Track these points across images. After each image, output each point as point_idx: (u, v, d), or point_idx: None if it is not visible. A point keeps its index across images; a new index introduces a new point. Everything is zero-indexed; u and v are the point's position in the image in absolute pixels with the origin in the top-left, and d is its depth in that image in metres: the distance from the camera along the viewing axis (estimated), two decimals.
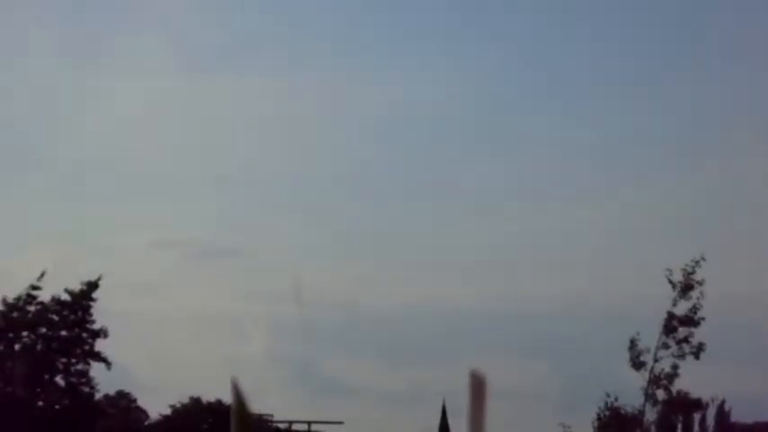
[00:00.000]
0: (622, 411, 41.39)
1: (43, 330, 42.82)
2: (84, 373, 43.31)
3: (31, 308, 42.72)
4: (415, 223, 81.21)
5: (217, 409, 51.98)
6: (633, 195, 74.80)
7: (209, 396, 52.50)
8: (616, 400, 41.38)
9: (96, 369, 43.60)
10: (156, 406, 54.99)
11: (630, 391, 41.36)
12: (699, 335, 40.37)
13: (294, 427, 53.54)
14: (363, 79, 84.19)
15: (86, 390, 43.49)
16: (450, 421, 40.87)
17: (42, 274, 42.83)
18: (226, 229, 79.44)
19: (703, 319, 40.35)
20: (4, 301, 42.58)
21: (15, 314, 42.40)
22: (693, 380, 41.95)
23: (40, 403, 42.75)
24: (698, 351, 40.20)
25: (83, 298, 43.20)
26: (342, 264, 76.71)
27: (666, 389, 40.55)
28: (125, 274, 71.15)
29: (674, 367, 40.38)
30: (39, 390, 42.58)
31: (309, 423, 52.74)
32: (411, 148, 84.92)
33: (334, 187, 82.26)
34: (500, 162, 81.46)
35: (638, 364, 40.47)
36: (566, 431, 41.69)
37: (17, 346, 42.63)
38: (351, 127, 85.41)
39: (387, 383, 67.32)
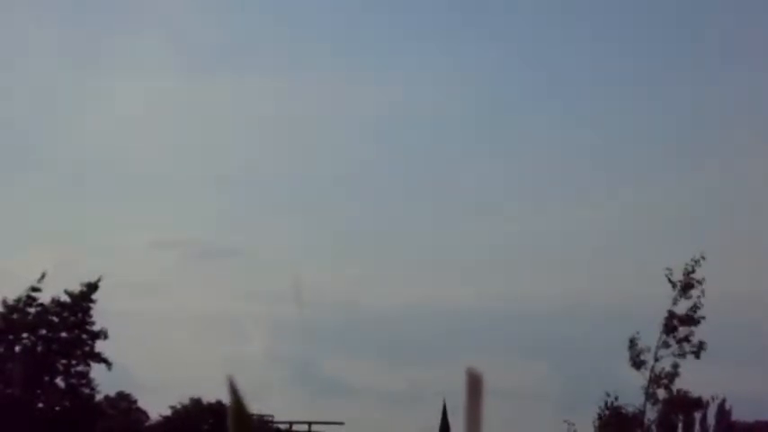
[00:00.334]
0: (623, 411, 41.39)
1: (43, 332, 42.83)
2: (85, 375, 43.33)
3: (32, 309, 42.74)
4: (415, 223, 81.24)
5: (217, 409, 51.93)
6: (633, 195, 74.82)
7: (209, 397, 52.55)
8: (616, 399, 41.42)
9: (97, 370, 43.70)
10: (156, 407, 55.03)
11: (631, 390, 41.40)
12: (699, 334, 40.41)
13: (294, 427, 53.54)
14: (363, 79, 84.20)
15: (87, 391, 43.51)
16: (451, 421, 40.83)
17: (42, 276, 42.91)
18: (226, 229, 79.48)
19: (704, 318, 40.38)
20: (5, 302, 42.62)
21: (15, 316, 42.41)
22: (694, 379, 41.99)
23: (41, 405, 42.75)
24: (698, 350, 40.19)
25: (83, 299, 43.21)
26: (342, 264, 76.76)
27: (667, 388, 40.56)
28: (125, 274, 71.13)
29: (675, 366, 40.41)
30: (39, 391, 42.59)
31: (310, 424, 52.74)
32: (411, 147, 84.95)
33: (334, 187, 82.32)
34: (500, 162, 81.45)
35: (638, 364, 40.50)
36: (570, 429, 41.72)
37: (17, 348, 42.64)
38: (351, 127, 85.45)
39: (387, 383, 67.33)
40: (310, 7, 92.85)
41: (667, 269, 40.46)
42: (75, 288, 43.29)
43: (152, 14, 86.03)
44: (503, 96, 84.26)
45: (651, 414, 41.12)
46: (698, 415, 43.51)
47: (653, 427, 41.41)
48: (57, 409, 42.84)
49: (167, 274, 76.69)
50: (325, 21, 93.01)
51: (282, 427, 53.03)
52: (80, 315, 43.15)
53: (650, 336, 40.69)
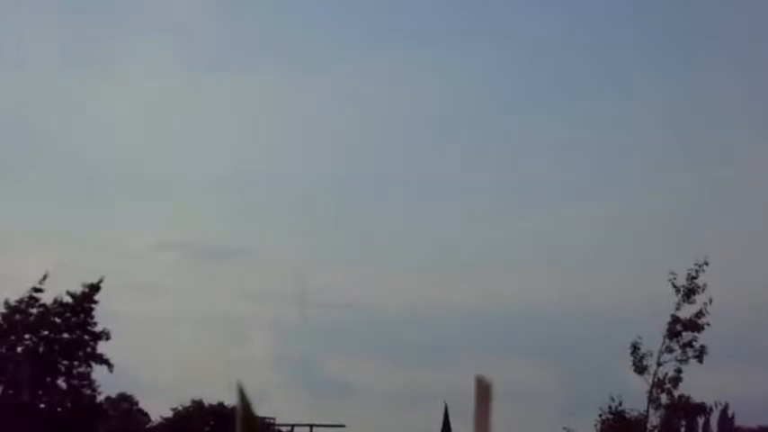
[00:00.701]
0: (626, 415, 41.28)
1: (45, 333, 42.78)
2: (86, 376, 43.29)
3: (34, 310, 42.69)
4: (417, 224, 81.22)
5: (219, 411, 51.93)
6: (637, 197, 74.73)
7: (210, 399, 52.55)
8: (620, 403, 41.28)
9: (98, 371, 43.64)
10: (157, 408, 55.06)
11: (635, 394, 41.29)
12: (702, 339, 40.26)
13: (296, 429, 53.47)
14: (364, 80, 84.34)
15: (88, 392, 43.46)
16: (453, 424, 40.70)
17: (45, 277, 42.88)
18: (228, 230, 79.54)
19: (708, 323, 40.22)
20: (6, 303, 42.59)
21: (17, 316, 42.38)
22: (697, 384, 41.87)
23: (42, 406, 42.70)
24: (700, 354, 40.04)
25: (84, 300, 43.17)
26: (344, 265, 76.60)
27: (670, 393, 40.43)
28: (127, 275, 71.14)
29: (678, 371, 40.26)
30: (40, 392, 42.53)
31: (311, 426, 52.67)
32: (414, 148, 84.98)
33: (336, 188, 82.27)
34: (504, 162, 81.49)
35: (640, 368, 40.36)
36: None
37: (19, 349, 42.60)
38: (353, 127, 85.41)
39: (389, 385, 67.26)
40: (312, 7, 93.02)
41: (671, 273, 40.32)
42: (77, 289, 43.29)
43: (154, 15, 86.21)
44: (505, 96, 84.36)
45: (654, 419, 41.01)
46: (701, 420, 43.34)
47: None
48: (58, 410, 42.79)
49: (169, 275, 76.75)
50: (327, 20, 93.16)
51: (284, 429, 52.96)
52: (82, 316, 43.11)
53: (654, 340, 40.58)
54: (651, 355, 40.42)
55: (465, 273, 73.76)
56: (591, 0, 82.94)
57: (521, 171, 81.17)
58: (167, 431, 53.43)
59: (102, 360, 43.18)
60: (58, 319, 42.87)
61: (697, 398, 41.43)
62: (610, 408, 41.24)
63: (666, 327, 40.33)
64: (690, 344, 40.15)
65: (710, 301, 39.91)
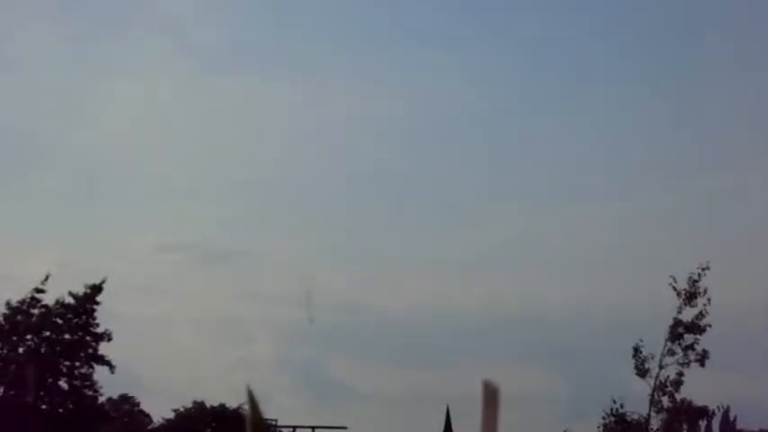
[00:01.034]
0: (628, 418, 41.26)
1: (47, 334, 42.77)
2: (88, 377, 43.28)
3: (35, 311, 42.69)
4: (418, 226, 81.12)
5: (220, 413, 51.93)
6: (640, 202, 74.68)
7: (212, 400, 52.51)
8: (621, 406, 41.25)
9: (100, 372, 43.64)
10: (159, 410, 55.02)
11: (637, 397, 41.27)
12: (704, 342, 40.27)
13: (298, 431, 53.43)
14: (364, 80, 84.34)
15: (90, 393, 43.44)
16: (454, 426, 40.72)
17: (47, 278, 42.86)
18: (231, 232, 79.60)
19: (709, 325, 40.24)
20: (8, 304, 42.58)
21: (19, 317, 42.37)
22: (698, 387, 41.86)
23: (44, 407, 42.69)
24: (702, 358, 40.06)
25: (86, 301, 43.15)
26: (346, 267, 76.61)
27: (672, 396, 40.42)
28: (130, 276, 71.13)
29: (680, 374, 40.26)
30: (42, 393, 42.52)
31: (314, 428, 52.63)
32: (416, 150, 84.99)
33: (339, 190, 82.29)
34: (508, 165, 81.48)
35: (642, 372, 40.37)
36: None
37: (21, 350, 42.60)
38: (355, 129, 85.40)
39: (391, 387, 67.34)
40: (312, 7, 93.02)
41: (672, 277, 40.37)
42: (79, 290, 43.28)
43: (156, 16, 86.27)
44: (508, 96, 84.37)
45: (655, 422, 41.00)
46: (702, 423, 43.29)
47: None
48: (60, 411, 42.79)
49: (172, 276, 76.84)
50: (329, 20, 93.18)
51: (286, 431, 52.92)
52: (84, 317, 43.09)
53: (656, 343, 40.58)
54: (653, 357, 40.48)
55: (467, 275, 73.83)
56: (591, 0, 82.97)
57: (521, 172, 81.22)
58: None
59: (103, 361, 43.18)
60: (59, 320, 42.86)
61: (699, 401, 41.45)
62: (611, 410, 41.23)
63: (668, 329, 40.36)
64: (692, 346, 40.19)
65: (709, 301, 39.98)
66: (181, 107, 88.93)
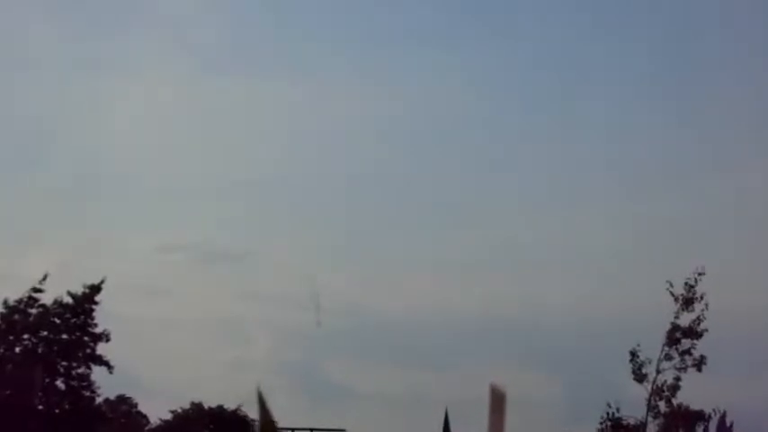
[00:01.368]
0: (624, 422, 41.30)
1: (45, 333, 42.73)
2: (86, 377, 43.24)
3: (33, 310, 42.65)
4: (418, 226, 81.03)
5: (218, 414, 51.91)
6: (638, 207, 74.66)
7: (210, 401, 52.46)
8: (618, 410, 41.31)
9: (98, 373, 43.58)
10: (156, 410, 54.94)
11: (634, 401, 41.32)
12: (701, 347, 40.37)
13: None
14: (365, 81, 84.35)
15: (87, 394, 43.40)
16: (453, 428, 40.69)
17: (45, 277, 42.83)
18: (231, 232, 79.46)
19: (706, 330, 40.34)
20: (5, 303, 42.54)
21: (17, 317, 42.34)
22: (695, 392, 41.90)
23: (41, 407, 42.65)
24: (699, 363, 40.15)
25: (85, 301, 43.13)
26: (346, 267, 76.51)
27: (669, 401, 40.49)
28: (130, 277, 70.81)
29: (677, 379, 40.35)
30: (39, 393, 42.48)
31: (312, 430, 52.59)
32: (416, 149, 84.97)
33: (339, 191, 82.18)
34: (508, 171, 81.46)
35: (640, 376, 40.43)
36: None
37: (18, 349, 42.55)
38: (355, 130, 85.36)
39: (389, 389, 67.24)
40: (312, 7, 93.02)
41: (668, 282, 40.46)
42: (78, 290, 43.24)
43: (157, 17, 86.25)
44: (506, 96, 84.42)
45: (652, 427, 41.05)
46: (699, 428, 43.36)
47: None
48: (57, 411, 42.74)
49: (173, 277, 76.69)
50: (330, 20, 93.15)
51: None
52: (82, 317, 43.06)
53: (653, 348, 40.64)
54: (650, 362, 40.55)
55: (468, 279, 73.79)
56: (591, 0, 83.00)
57: (525, 179, 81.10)
58: None
59: (101, 361, 43.13)
60: (57, 320, 42.83)
61: (695, 406, 41.52)
62: (608, 414, 41.27)
63: (666, 334, 40.44)
64: (689, 351, 40.28)
65: (707, 306, 40.12)
66: (181, 107, 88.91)
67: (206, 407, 52.35)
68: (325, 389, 65.39)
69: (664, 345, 40.46)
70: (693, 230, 70.98)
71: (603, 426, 41.41)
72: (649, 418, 40.85)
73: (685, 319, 40.41)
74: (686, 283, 40.26)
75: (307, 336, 59.42)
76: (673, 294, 40.32)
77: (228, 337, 72.24)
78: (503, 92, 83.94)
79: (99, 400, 45.04)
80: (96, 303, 43.33)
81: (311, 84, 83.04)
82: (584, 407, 50.22)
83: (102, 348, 43.35)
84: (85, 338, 43.06)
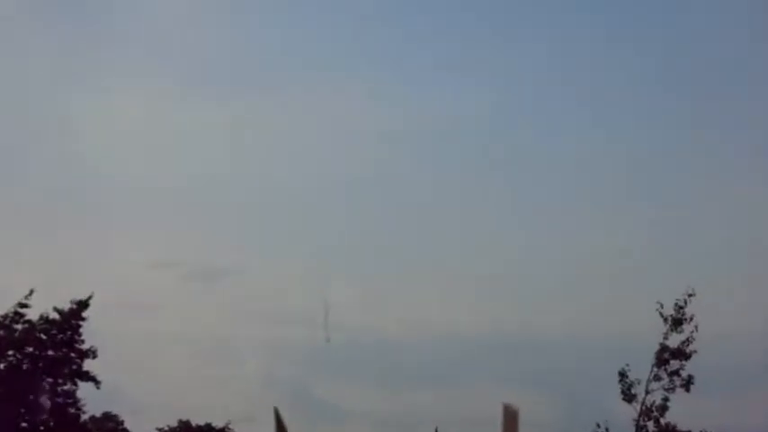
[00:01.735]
0: None
1: (30, 349, 42.41)
2: (71, 394, 42.91)
3: (18, 326, 42.35)
4: (418, 230, 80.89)
5: None
6: (628, 229, 74.87)
7: (198, 419, 52.11)
8: (607, 430, 41.17)
9: (85, 389, 43.26)
10: (144, 428, 54.58)
11: (624, 422, 41.23)
12: (690, 368, 40.41)
13: None
14: (366, 82, 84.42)
15: (72, 410, 43.06)
16: None
17: (31, 292, 42.56)
18: (222, 249, 79.30)
19: (695, 351, 40.40)
20: None
21: (1, 332, 42.02)
22: (684, 412, 41.88)
23: (24, 424, 42.27)
24: (687, 384, 40.20)
25: (72, 317, 42.84)
26: (341, 288, 76.34)
27: (657, 421, 40.45)
28: (120, 294, 70.63)
29: (665, 399, 40.36)
30: (23, 410, 42.11)
31: None
32: (416, 149, 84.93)
33: (334, 205, 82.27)
34: (503, 191, 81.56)
35: (629, 396, 40.40)
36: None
37: (2, 365, 42.21)
38: (356, 133, 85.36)
39: (382, 408, 66.95)
40: (313, 11, 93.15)
41: (659, 303, 40.54)
42: (65, 306, 42.95)
43: (147, 28, 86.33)
44: (508, 97, 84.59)
45: None
46: None
47: None
48: (41, 428, 42.39)
49: (163, 294, 76.34)
50: (330, 24, 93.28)
51: None
52: (69, 333, 42.77)
53: (642, 368, 40.64)
54: (639, 383, 40.55)
55: (461, 300, 73.79)
56: (599, 1, 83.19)
57: (521, 181, 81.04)
58: None
59: (88, 377, 42.82)
60: (43, 336, 42.52)
61: (683, 426, 41.47)
62: None
63: (655, 355, 40.47)
64: (677, 372, 40.32)
65: (696, 328, 40.19)
66: (171, 120, 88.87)
67: (194, 424, 52.05)
68: (318, 408, 65.09)
69: (653, 365, 40.45)
70: (685, 252, 71.19)
71: None
72: None
73: (675, 340, 40.47)
74: (676, 304, 40.34)
75: (299, 354, 59.25)
76: (662, 315, 40.39)
77: (217, 354, 71.98)
78: (503, 92, 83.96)
79: (85, 416, 44.69)
80: (83, 319, 43.08)
81: (310, 84, 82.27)
82: (573, 427, 50.14)
83: (89, 365, 43.10)
84: (72, 355, 42.76)
